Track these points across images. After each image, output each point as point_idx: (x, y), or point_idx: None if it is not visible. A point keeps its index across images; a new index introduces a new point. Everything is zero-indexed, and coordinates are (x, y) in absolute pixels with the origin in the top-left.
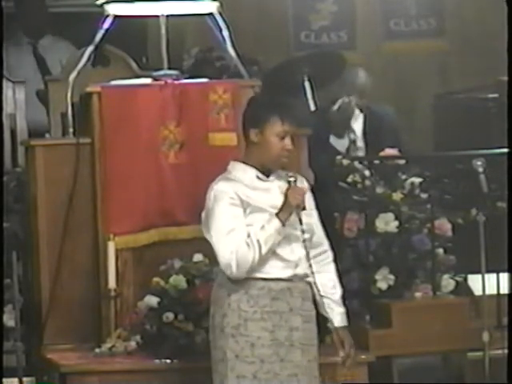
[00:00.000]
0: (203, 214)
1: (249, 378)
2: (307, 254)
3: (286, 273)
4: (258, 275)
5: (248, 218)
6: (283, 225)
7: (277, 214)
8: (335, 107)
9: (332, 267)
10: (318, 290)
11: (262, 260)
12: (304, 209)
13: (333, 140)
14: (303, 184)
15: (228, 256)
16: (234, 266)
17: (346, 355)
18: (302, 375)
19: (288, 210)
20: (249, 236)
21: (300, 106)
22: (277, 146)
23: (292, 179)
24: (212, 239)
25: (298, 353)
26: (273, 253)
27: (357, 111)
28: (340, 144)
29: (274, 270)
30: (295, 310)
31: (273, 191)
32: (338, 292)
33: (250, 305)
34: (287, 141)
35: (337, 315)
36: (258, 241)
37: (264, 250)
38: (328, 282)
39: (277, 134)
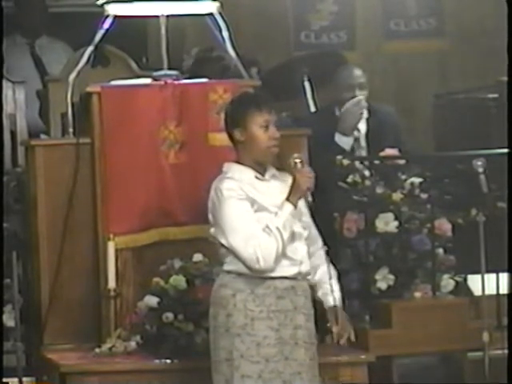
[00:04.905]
0: (210, 217)
1: (253, 378)
2: (307, 251)
3: (292, 271)
4: (267, 274)
5: (255, 218)
6: (295, 208)
7: (287, 199)
8: (349, 105)
9: (327, 261)
10: (315, 275)
11: (284, 249)
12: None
13: (338, 138)
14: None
15: (252, 251)
16: (261, 260)
17: (341, 329)
18: (305, 373)
19: (298, 193)
20: (266, 226)
21: (301, 106)
22: (263, 137)
23: (298, 160)
24: (229, 239)
25: (302, 351)
26: None
27: (365, 110)
28: (345, 142)
29: (280, 268)
30: (299, 309)
31: (272, 191)
32: (333, 280)
33: (256, 304)
34: (272, 129)
35: (331, 296)
36: (277, 228)
37: (285, 236)
38: (323, 272)
39: (259, 125)
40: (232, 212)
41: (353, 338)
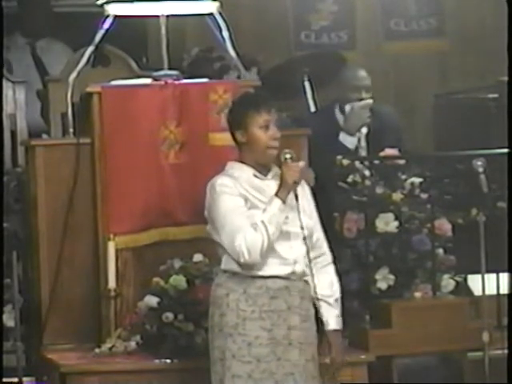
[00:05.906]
0: (206, 213)
1: (244, 378)
2: (307, 251)
3: (285, 270)
4: (256, 273)
5: (247, 214)
6: (284, 202)
7: (276, 194)
8: (356, 107)
9: (330, 269)
10: (315, 293)
11: (271, 243)
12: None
13: (342, 137)
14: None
15: (238, 243)
16: (245, 252)
17: (331, 360)
18: (298, 374)
19: (286, 188)
20: (254, 222)
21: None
22: (264, 137)
23: (288, 156)
24: (220, 233)
25: (296, 352)
26: (271, 250)
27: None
28: (350, 142)
29: (271, 267)
30: (293, 309)
31: (272, 189)
32: (334, 295)
33: (249, 304)
34: (273, 129)
35: (330, 318)
36: (262, 222)
37: (271, 230)
38: (324, 284)
39: (259, 126)
40: (223, 207)
41: (340, 368)
